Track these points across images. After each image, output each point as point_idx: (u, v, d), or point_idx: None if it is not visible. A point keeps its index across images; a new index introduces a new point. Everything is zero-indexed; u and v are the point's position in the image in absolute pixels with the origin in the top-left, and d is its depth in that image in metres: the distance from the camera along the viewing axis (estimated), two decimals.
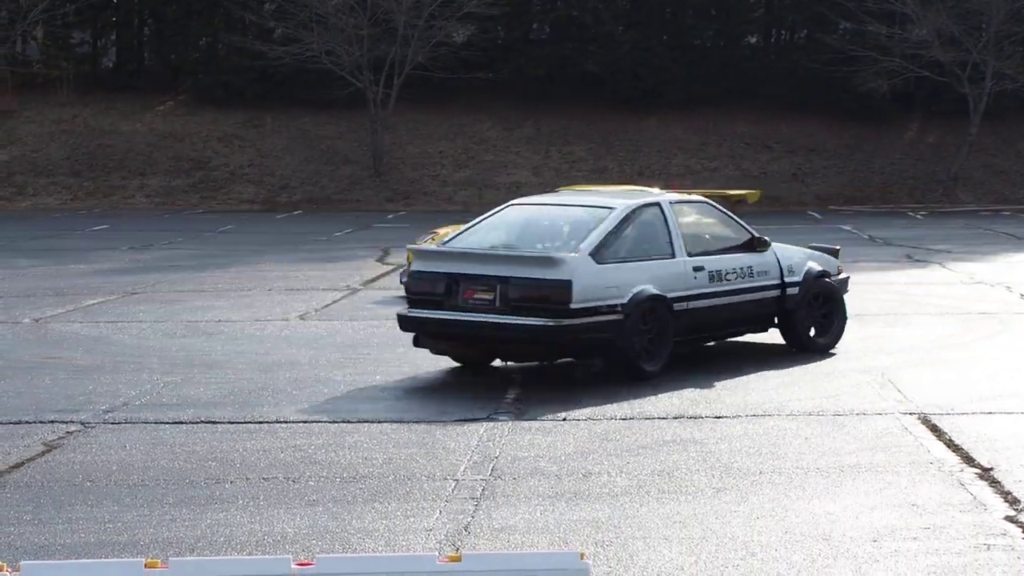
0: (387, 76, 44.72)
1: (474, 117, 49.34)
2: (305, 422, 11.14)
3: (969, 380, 12.96)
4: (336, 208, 43.01)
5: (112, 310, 18.40)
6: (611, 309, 12.59)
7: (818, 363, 13.91)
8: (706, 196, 24.19)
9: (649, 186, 17.99)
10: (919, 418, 11.15)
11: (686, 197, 14.74)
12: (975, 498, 8.74)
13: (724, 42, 51.54)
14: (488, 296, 12.67)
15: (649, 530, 8.07)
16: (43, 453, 10.12)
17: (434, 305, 12.90)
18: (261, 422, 11.15)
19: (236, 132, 48.26)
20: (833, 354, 14.39)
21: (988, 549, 7.69)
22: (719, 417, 11.24)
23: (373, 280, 22.13)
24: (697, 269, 13.55)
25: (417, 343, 13.44)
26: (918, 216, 39.48)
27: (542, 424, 11.01)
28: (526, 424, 11.02)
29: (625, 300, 12.68)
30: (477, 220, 13.98)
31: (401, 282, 19.89)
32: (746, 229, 14.43)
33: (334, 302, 19.26)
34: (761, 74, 50.23)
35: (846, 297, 15.08)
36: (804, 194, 44.03)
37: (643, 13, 50.47)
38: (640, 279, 12.93)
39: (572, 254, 12.65)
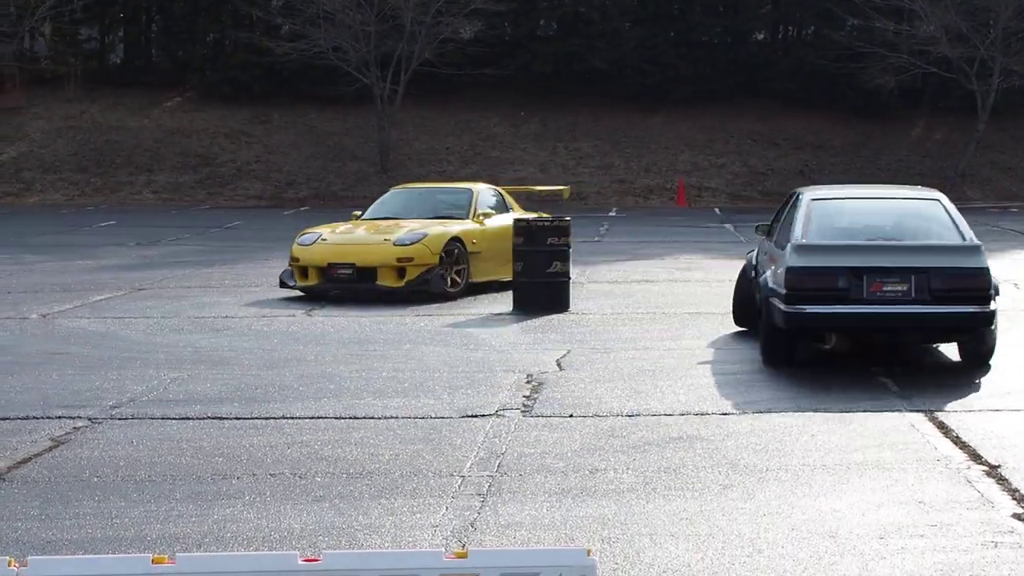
0: (394, 72, 44.74)
1: (481, 113, 49.35)
2: (312, 418, 11.15)
3: (976, 377, 12.95)
4: (343, 204, 42.99)
5: (119, 306, 18.42)
6: (992, 297, 13.07)
7: (824, 360, 13.89)
8: (518, 191, 23.95)
9: (485, 181, 18.07)
10: (926, 415, 11.14)
11: None
12: (982, 495, 8.73)
13: (731, 39, 51.52)
14: (901, 287, 12.84)
15: (656, 527, 8.07)
16: (50, 449, 10.13)
17: (832, 300, 12.89)
18: (268, 418, 11.15)
19: (243, 128, 48.29)
20: (838, 350, 14.39)
21: (995, 547, 7.68)
22: (725, 414, 11.24)
23: None
24: None
25: (807, 339, 13.68)
26: None
27: (548, 420, 11.01)
28: (532, 420, 11.02)
29: (993, 288, 13.18)
30: (807, 218, 13.68)
31: (284, 283, 19.21)
32: None
33: (340, 298, 19.25)
34: (768, 71, 50.22)
35: None
36: None
37: (650, 9, 50.46)
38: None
39: (977, 242, 13.14)
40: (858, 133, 49.06)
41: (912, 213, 14.05)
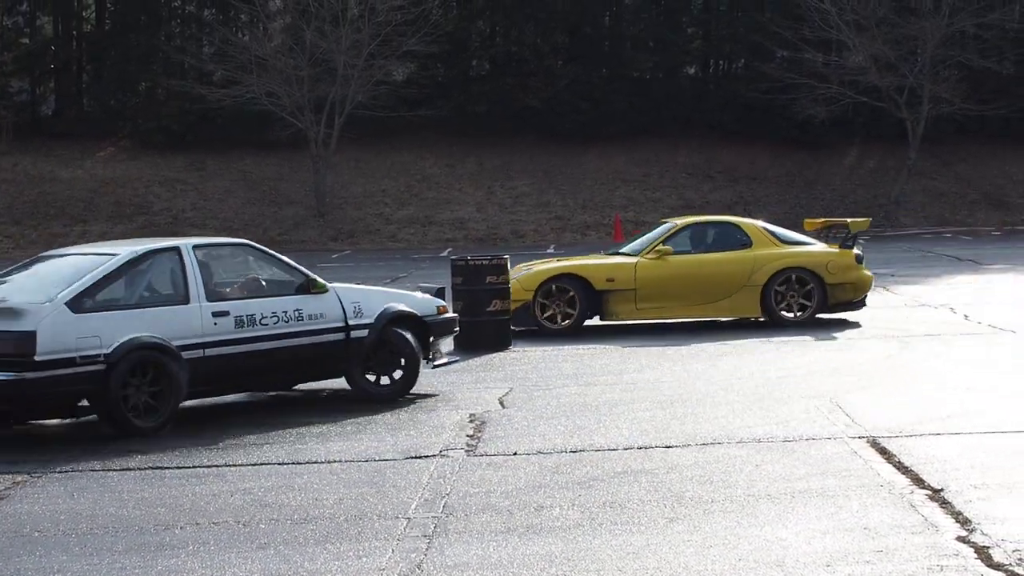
0: (328, 116, 44.70)
1: (416, 154, 49.38)
2: (254, 464, 11.06)
3: (916, 402, 13.03)
4: (280, 249, 42.61)
5: None
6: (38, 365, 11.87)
7: (765, 389, 13.95)
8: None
9: None
10: (868, 441, 11.20)
11: None
12: (926, 519, 8.77)
13: (663, 74, 51.91)
14: None
15: (603, 563, 8.05)
16: None
17: None
18: (209, 466, 11.06)
19: (178, 176, 48.07)
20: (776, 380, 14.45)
21: (941, 570, 7.72)
22: (669, 447, 11.25)
23: None
24: None
25: None
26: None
27: (492, 459, 10.98)
28: (476, 459, 10.98)
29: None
30: None
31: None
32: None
33: None
34: (701, 104, 50.61)
35: None
36: None
37: (582, 47, 50.77)
38: None
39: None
40: (792, 163, 49.48)
41: None
